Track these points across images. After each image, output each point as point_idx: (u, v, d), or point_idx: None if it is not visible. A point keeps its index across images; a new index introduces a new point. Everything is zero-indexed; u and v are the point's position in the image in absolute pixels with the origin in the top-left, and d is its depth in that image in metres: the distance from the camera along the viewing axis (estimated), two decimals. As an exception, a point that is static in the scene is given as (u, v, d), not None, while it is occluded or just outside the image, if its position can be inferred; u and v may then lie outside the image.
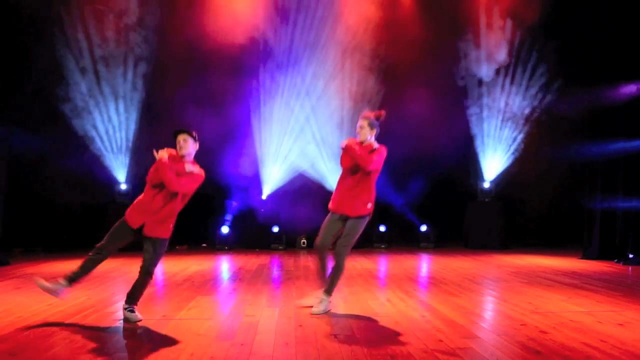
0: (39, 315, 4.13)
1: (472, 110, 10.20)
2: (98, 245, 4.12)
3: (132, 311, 4.01)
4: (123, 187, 9.87)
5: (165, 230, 4.12)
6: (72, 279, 4.11)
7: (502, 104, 10.05)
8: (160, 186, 4.04)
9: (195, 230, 10.57)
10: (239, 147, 9.97)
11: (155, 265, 4.08)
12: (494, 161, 10.17)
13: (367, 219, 4.44)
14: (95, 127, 9.66)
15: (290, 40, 9.95)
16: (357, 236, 4.43)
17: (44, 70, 8.92)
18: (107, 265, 7.35)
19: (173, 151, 4.14)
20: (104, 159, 9.75)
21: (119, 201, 9.86)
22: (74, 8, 9.04)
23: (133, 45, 9.54)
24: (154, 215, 4.05)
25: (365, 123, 4.39)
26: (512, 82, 9.98)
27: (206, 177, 10.45)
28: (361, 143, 4.41)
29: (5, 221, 8.14)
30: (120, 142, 9.84)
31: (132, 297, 4.07)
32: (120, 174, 9.88)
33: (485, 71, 10.05)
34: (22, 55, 8.72)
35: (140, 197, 4.14)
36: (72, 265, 7.40)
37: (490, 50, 9.94)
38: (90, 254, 4.12)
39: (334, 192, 4.52)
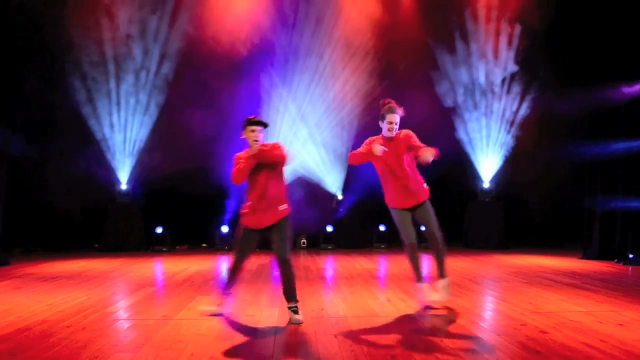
0: (39, 315, 4.13)
1: (470, 112, 10.21)
2: (232, 263, 4.14)
3: (296, 311, 3.97)
4: (124, 187, 9.87)
5: (282, 211, 4.04)
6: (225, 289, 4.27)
7: (500, 105, 10.06)
8: (253, 182, 4.03)
9: (195, 230, 10.59)
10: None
11: (287, 249, 3.99)
12: (491, 162, 10.18)
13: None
14: (96, 129, 9.67)
15: (292, 42, 9.95)
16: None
17: (43, 73, 8.91)
18: (107, 266, 7.38)
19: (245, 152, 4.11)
20: (105, 159, 9.75)
21: (119, 201, 9.87)
22: (73, 12, 8.97)
23: (133, 49, 9.55)
24: (269, 207, 4.00)
25: (398, 118, 4.31)
26: (510, 83, 9.98)
27: (206, 178, 10.46)
28: (388, 138, 4.33)
29: (6, 221, 8.15)
30: (122, 143, 9.84)
31: (288, 293, 4.02)
32: (122, 175, 9.88)
33: (485, 73, 10.07)
34: (21, 58, 8.72)
35: (247, 202, 4.11)
36: (72, 265, 7.45)
37: (491, 52, 9.96)
38: (231, 270, 4.18)
39: (388, 191, 4.47)
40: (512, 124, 10.01)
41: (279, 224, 4.01)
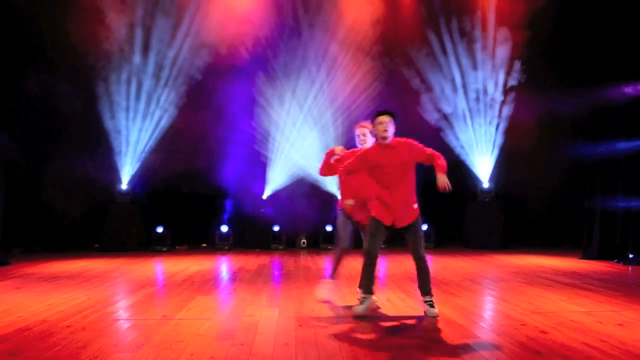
0: (39, 315, 4.13)
1: (469, 113, 10.23)
2: (366, 250, 4.16)
3: (432, 305, 4.10)
4: (124, 187, 9.87)
5: (415, 210, 4.14)
6: (367, 288, 4.20)
7: (500, 106, 10.07)
8: (385, 179, 4.10)
9: (195, 230, 10.59)
10: (239, 147, 9.98)
11: (421, 247, 4.11)
12: (490, 163, 10.18)
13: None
14: (97, 130, 9.66)
15: (290, 43, 9.95)
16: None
17: (44, 74, 8.89)
18: (107, 266, 7.38)
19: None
20: (105, 160, 9.73)
21: (119, 201, 9.87)
22: (73, 15, 8.91)
23: (133, 50, 9.55)
24: (405, 206, 4.08)
25: (367, 131, 4.52)
26: (510, 84, 9.98)
27: (206, 178, 10.39)
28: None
29: (6, 221, 8.14)
30: (123, 144, 9.84)
31: (424, 288, 4.15)
32: (123, 175, 9.88)
33: (484, 74, 10.08)
34: (22, 59, 8.71)
35: (381, 198, 4.18)
36: (72, 265, 7.46)
37: (491, 53, 9.96)
38: (364, 262, 4.16)
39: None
40: (511, 124, 10.00)
41: (414, 224, 4.10)
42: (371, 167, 4.13)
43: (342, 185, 4.42)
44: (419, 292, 4.23)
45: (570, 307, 4.41)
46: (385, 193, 4.09)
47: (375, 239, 4.12)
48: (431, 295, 4.16)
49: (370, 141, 4.52)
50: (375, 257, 4.13)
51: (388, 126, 4.01)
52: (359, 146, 4.58)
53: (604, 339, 3.38)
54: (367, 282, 4.16)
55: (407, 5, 10.17)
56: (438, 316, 4.05)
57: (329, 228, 9.93)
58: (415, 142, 4.13)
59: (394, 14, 9.99)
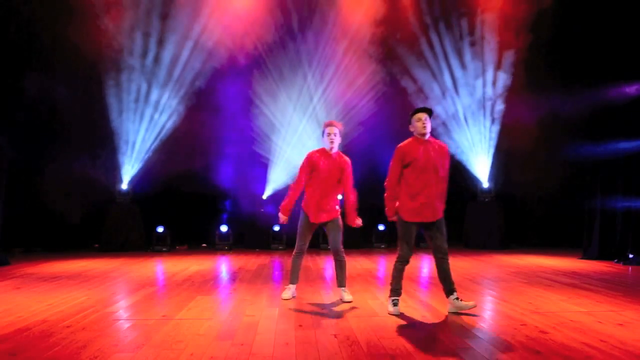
0: (39, 315, 4.13)
1: (469, 113, 10.23)
2: (403, 258, 4.27)
3: (460, 299, 4.22)
4: (124, 187, 9.88)
5: (442, 209, 4.28)
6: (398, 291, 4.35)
7: (500, 106, 10.07)
8: (415, 177, 4.20)
9: (195, 230, 10.60)
10: (239, 148, 9.98)
11: (446, 243, 4.24)
12: (489, 163, 10.19)
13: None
14: (98, 130, 9.66)
15: (293, 42, 9.95)
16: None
17: (44, 74, 8.88)
18: (107, 266, 7.38)
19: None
20: (106, 160, 9.73)
21: (119, 201, 9.87)
22: (73, 16, 8.90)
23: (134, 51, 9.55)
24: (437, 204, 4.20)
25: (337, 131, 4.62)
26: (509, 84, 9.98)
27: (206, 178, 10.39)
28: (330, 150, 4.64)
29: (6, 221, 8.14)
30: (124, 145, 9.85)
31: (451, 285, 4.24)
32: (123, 175, 9.88)
33: (483, 74, 10.09)
34: (22, 59, 8.72)
35: (406, 193, 4.23)
36: (72, 265, 7.45)
37: (491, 54, 9.97)
38: (399, 267, 4.31)
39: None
40: (512, 125, 10.00)
41: (442, 219, 4.23)
42: (407, 163, 4.16)
43: (388, 199, 4.30)
44: (443, 295, 4.34)
45: (570, 307, 4.41)
46: (417, 191, 4.13)
47: (410, 245, 4.23)
48: (456, 291, 4.26)
49: (338, 141, 4.62)
50: (409, 262, 4.28)
51: (426, 123, 4.16)
52: (327, 145, 4.62)
53: (604, 339, 3.38)
54: (398, 286, 4.30)
55: (408, 6, 10.18)
56: (475, 306, 4.19)
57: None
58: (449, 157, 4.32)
59: (395, 15, 10.00)
